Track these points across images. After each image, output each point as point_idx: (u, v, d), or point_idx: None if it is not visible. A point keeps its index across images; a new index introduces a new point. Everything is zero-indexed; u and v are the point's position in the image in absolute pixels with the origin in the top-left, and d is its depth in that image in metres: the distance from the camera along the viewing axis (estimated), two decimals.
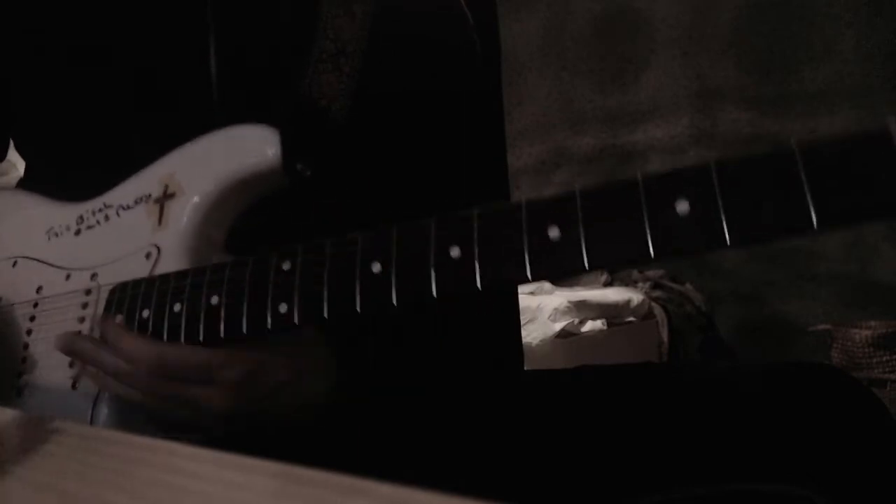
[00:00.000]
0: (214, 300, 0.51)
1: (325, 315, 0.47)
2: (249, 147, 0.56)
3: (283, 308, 0.49)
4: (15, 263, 0.65)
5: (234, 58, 0.63)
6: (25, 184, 0.73)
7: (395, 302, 0.45)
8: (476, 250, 0.43)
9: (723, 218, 0.37)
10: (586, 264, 0.40)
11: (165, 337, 0.53)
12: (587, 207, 0.41)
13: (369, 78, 0.63)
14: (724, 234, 0.37)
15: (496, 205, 0.44)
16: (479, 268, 0.43)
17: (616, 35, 2.74)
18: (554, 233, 0.41)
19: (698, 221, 0.38)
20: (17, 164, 0.77)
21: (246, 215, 0.59)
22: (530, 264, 0.42)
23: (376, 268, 0.46)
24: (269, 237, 0.52)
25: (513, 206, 0.43)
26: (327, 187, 0.58)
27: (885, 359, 1.93)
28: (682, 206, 0.38)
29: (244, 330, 0.50)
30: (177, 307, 0.53)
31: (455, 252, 0.44)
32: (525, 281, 0.43)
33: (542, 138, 2.93)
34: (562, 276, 0.42)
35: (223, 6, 0.63)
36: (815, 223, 0.35)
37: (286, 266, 0.50)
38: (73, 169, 0.68)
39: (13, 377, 0.60)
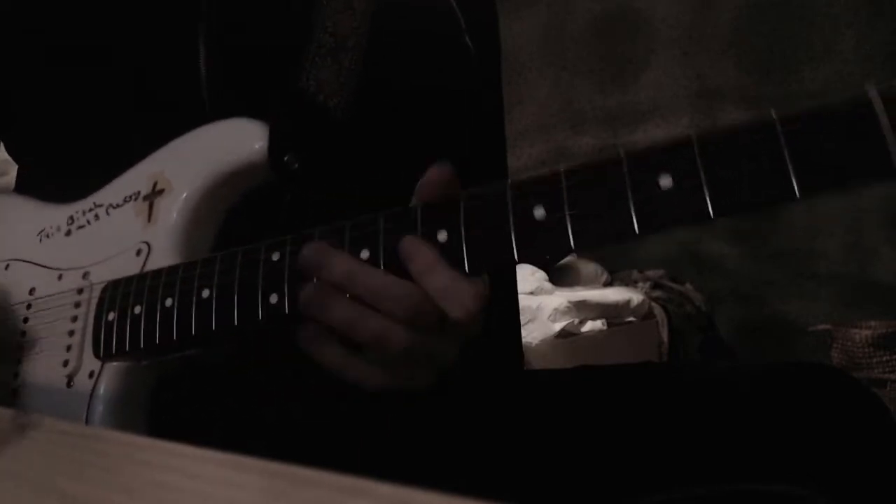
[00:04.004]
0: (205, 293, 0.51)
1: None
2: (235, 141, 0.56)
3: (273, 299, 0.49)
4: (8, 266, 0.65)
5: (225, 54, 0.62)
6: (18, 187, 0.73)
7: None
8: (463, 233, 0.44)
9: (705, 190, 0.38)
10: (572, 243, 0.41)
11: (157, 333, 0.53)
12: (571, 186, 0.41)
13: (370, 73, 0.63)
14: (706, 206, 0.37)
15: (482, 187, 0.44)
16: (467, 251, 0.43)
17: (616, 35, 2.74)
18: (539, 213, 0.42)
19: (681, 195, 0.38)
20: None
21: (237, 209, 0.58)
22: (517, 245, 0.42)
23: (365, 255, 0.46)
24: (263, 232, 0.52)
25: (498, 187, 0.43)
26: (325, 182, 0.58)
27: (885, 359, 1.93)
28: (665, 181, 0.39)
29: (236, 322, 0.50)
30: (168, 302, 0.53)
31: (442, 236, 0.44)
32: (512, 263, 0.43)
33: (542, 138, 2.93)
34: (549, 255, 0.42)
35: (216, 2, 0.63)
36: (797, 191, 0.36)
37: (275, 257, 0.49)
38: (65, 170, 0.68)
39: (9, 378, 0.60)
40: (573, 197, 0.41)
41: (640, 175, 0.39)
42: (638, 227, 0.39)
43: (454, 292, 0.43)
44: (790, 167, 0.36)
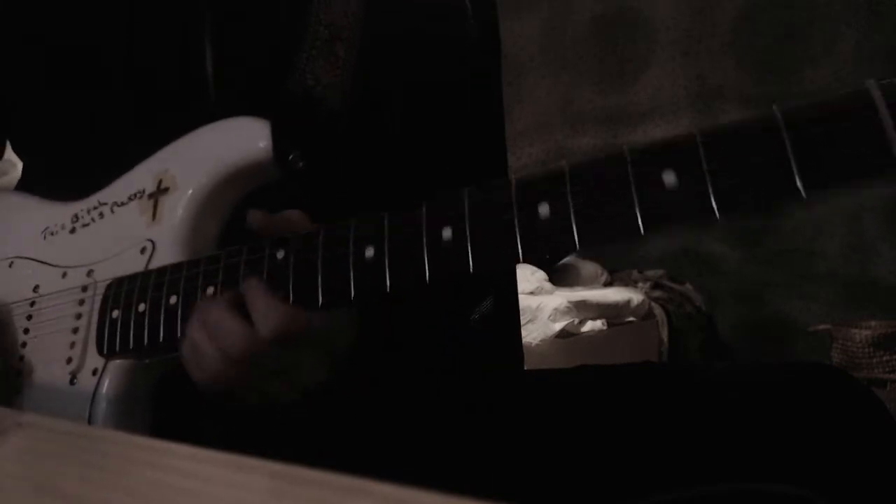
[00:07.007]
0: (210, 291, 0.51)
1: (320, 302, 0.47)
2: (240, 139, 0.56)
3: (278, 296, 0.49)
4: (12, 264, 0.65)
5: (230, 53, 0.63)
6: (23, 185, 0.73)
7: (388, 287, 0.45)
8: (467, 231, 0.43)
9: (709, 187, 0.37)
10: (577, 242, 0.40)
11: (161, 331, 0.53)
12: (576, 183, 0.41)
13: (365, 64, 0.63)
14: (711, 204, 0.37)
15: (487, 184, 0.44)
16: (471, 248, 0.43)
17: (616, 35, 2.74)
18: (544, 210, 0.41)
19: (686, 192, 0.38)
20: (16, 163, 0.78)
21: (242, 207, 0.59)
22: (521, 243, 0.42)
23: (369, 253, 0.46)
24: None
25: (503, 183, 0.43)
26: (324, 177, 0.58)
27: (885, 359, 1.93)
28: (670, 178, 0.38)
29: None
30: (173, 299, 0.53)
31: (447, 233, 0.44)
32: (516, 261, 0.43)
33: (542, 138, 2.92)
34: (552, 254, 0.42)
35: (219, 2, 0.63)
36: (801, 189, 0.35)
37: (280, 254, 0.50)
38: (71, 169, 0.68)
39: (12, 376, 0.61)
40: (577, 195, 0.41)
41: (644, 172, 0.39)
42: (643, 226, 0.39)
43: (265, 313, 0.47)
44: (794, 164, 0.36)
